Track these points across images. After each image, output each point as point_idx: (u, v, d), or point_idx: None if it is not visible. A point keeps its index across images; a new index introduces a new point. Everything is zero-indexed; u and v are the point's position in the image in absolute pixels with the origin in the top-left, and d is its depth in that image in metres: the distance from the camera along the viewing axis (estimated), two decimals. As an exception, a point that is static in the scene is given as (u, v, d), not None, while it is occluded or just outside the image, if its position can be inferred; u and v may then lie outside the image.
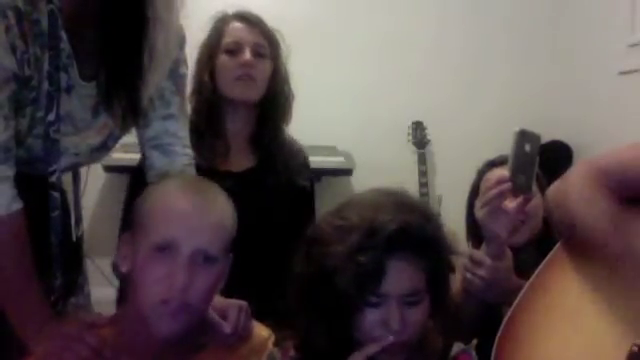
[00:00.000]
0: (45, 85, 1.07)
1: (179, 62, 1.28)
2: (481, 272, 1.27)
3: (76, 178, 1.41)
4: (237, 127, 1.69)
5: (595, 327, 1.00)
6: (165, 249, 1.00)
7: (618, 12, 2.41)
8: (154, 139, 1.29)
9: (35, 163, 1.13)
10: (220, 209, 1.07)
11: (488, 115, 2.87)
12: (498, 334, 1.06)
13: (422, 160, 2.80)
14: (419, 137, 2.84)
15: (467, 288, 1.30)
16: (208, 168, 1.51)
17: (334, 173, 2.61)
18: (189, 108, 1.55)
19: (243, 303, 1.16)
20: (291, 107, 1.74)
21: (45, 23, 1.05)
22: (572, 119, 2.74)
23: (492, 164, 1.55)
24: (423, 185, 2.75)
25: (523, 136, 1.20)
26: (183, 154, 1.31)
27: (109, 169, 2.51)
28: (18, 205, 1.07)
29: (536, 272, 1.11)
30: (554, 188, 1.14)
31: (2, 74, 1.01)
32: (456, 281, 1.32)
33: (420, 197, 2.65)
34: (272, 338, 1.18)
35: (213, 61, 1.67)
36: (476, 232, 1.44)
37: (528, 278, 1.12)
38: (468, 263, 1.29)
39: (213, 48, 1.68)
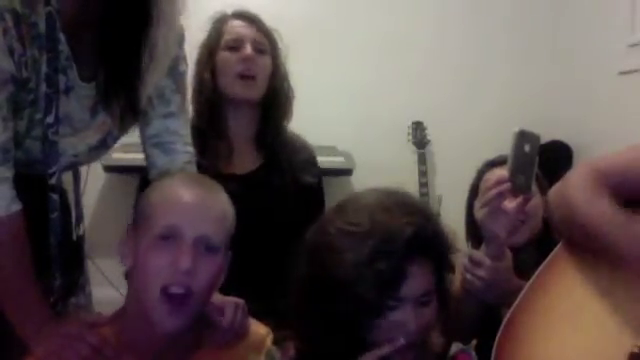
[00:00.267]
0: (43, 87, 1.07)
1: (178, 60, 1.28)
2: (481, 273, 1.27)
3: (76, 177, 1.41)
4: (239, 127, 1.69)
5: (595, 328, 1.00)
6: (169, 238, 1.01)
7: (618, 12, 2.41)
8: (155, 137, 1.29)
9: (34, 164, 1.13)
10: (222, 202, 1.09)
11: (488, 115, 2.86)
12: (498, 335, 1.06)
13: (422, 160, 2.80)
14: (419, 137, 2.84)
15: (467, 289, 1.30)
16: (212, 171, 1.49)
17: (334, 173, 2.61)
18: (190, 109, 1.55)
19: (240, 301, 1.16)
20: (292, 105, 1.74)
21: (43, 26, 1.05)
22: (572, 119, 2.74)
23: (491, 164, 1.55)
24: (423, 185, 2.74)
25: (522, 136, 1.20)
26: (184, 152, 1.31)
27: (109, 169, 2.50)
28: (17, 206, 1.07)
29: (536, 273, 1.11)
30: (555, 190, 1.14)
31: (0, 76, 1.01)
32: (455, 281, 1.32)
33: (420, 197, 2.65)
34: (270, 336, 1.19)
35: (213, 59, 1.67)
36: (475, 232, 1.44)
37: (528, 278, 1.12)
38: (468, 264, 1.29)
39: (213, 46, 1.68)
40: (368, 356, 1.02)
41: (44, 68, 1.07)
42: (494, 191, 1.22)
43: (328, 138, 2.68)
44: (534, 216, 1.43)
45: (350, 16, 2.91)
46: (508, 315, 1.08)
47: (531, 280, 1.11)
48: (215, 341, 1.12)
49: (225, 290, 1.16)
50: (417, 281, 1.02)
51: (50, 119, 1.09)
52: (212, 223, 1.05)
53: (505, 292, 1.24)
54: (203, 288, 1.03)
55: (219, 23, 1.72)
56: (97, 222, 2.54)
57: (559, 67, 2.88)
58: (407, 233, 1.00)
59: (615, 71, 2.42)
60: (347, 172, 2.68)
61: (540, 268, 1.12)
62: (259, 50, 1.66)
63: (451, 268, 1.15)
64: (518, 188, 1.21)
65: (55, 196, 1.14)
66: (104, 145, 1.26)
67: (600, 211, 1.02)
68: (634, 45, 2.32)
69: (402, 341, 1.01)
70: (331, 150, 2.69)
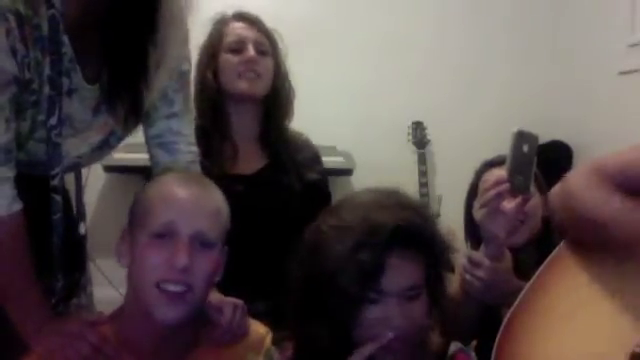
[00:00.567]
0: (46, 89, 1.07)
1: (182, 59, 1.28)
2: (480, 273, 1.26)
3: (78, 177, 1.41)
4: (243, 126, 1.69)
5: (596, 328, 1.00)
6: (165, 236, 1.02)
7: (618, 12, 2.41)
8: (158, 138, 1.29)
9: (37, 166, 1.13)
10: (216, 199, 1.10)
11: (488, 115, 2.87)
12: (498, 335, 1.06)
13: (422, 160, 2.80)
14: (419, 137, 2.84)
15: (466, 289, 1.30)
16: (218, 173, 1.49)
17: (334, 173, 2.60)
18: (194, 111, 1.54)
19: (239, 301, 1.16)
20: (293, 104, 1.75)
21: (45, 28, 1.04)
22: (572, 119, 2.74)
23: (490, 164, 1.55)
24: (423, 185, 2.75)
25: (521, 136, 1.20)
26: (187, 152, 1.32)
27: (109, 169, 2.50)
28: (18, 206, 1.07)
29: (536, 273, 1.11)
30: (556, 190, 1.14)
31: (3, 77, 1.01)
32: (455, 281, 1.32)
33: (420, 197, 2.66)
34: (270, 336, 1.19)
35: (216, 60, 1.67)
36: (475, 233, 1.44)
37: (528, 278, 1.12)
38: (467, 264, 1.29)
39: (215, 48, 1.68)
40: (356, 356, 1.01)
41: (47, 70, 1.06)
42: (493, 191, 1.22)
43: (328, 138, 2.67)
44: (533, 216, 1.43)
45: (350, 16, 2.91)
46: (508, 315, 1.08)
47: (531, 280, 1.11)
48: (213, 339, 1.12)
49: (232, 289, 1.17)
50: (400, 274, 1.01)
51: (53, 121, 1.09)
52: (207, 219, 1.05)
53: (505, 292, 1.24)
54: (200, 284, 1.04)
55: (220, 25, 1.72)
56: (97, 222, 2.54)
57: (559, 67, 2.88)
58: (389, 225, 1.00)
59: (615, 71, 2.42)
60: (347, 172, 2.69)
61: (540, 268, 1.11)
62: (261, 51, 1.67)
63: (450, 268, 1.15)
64: (517, 188, 1.21)
65: (58, 197, 1.14)
66: (107, 145, 1.26)
67: (606, 202, 1.01)
68: (634, 45, 2.33)
69: (390, 335, 1.00)
70: (331, 150, 2.69)
